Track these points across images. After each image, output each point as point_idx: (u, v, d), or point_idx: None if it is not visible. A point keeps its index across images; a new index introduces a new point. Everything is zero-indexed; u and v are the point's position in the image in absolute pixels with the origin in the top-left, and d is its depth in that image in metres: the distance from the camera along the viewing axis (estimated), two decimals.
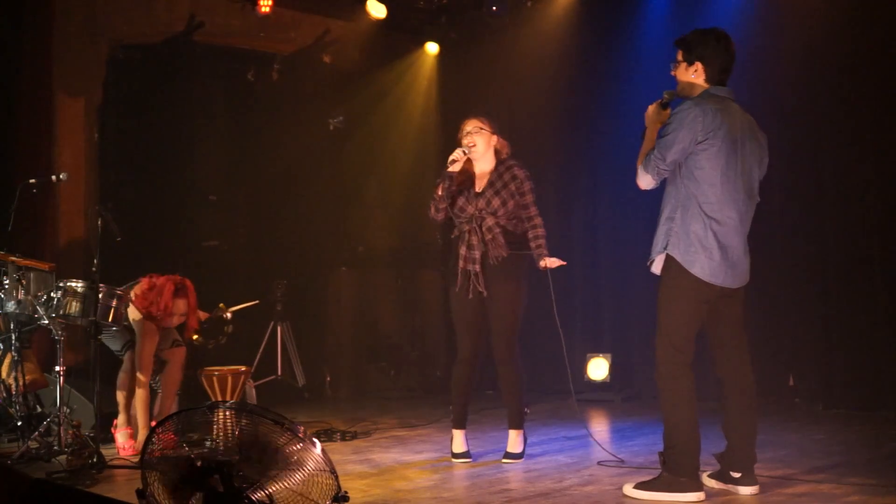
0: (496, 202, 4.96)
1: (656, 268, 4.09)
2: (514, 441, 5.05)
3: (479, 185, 5.07)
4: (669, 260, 3.99)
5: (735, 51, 4.11)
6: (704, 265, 3.92)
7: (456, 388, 5.13)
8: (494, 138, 5.12)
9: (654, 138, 4.09)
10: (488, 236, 4.93)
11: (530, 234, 5.02)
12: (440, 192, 5.03)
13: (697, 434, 3.94)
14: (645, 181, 4.08)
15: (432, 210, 5.08)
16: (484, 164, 5.11)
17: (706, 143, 3.91)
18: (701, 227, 3.93)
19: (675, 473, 3.90)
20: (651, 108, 4.21)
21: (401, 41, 9.09)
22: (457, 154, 5.01)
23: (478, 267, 4.92)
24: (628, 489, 4.01)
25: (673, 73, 4.17)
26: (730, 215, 3.97)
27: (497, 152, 5.13)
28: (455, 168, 5.01)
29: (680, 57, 4.11)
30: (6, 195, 5.77)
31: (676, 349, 3.97)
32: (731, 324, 4.11)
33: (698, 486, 3.91)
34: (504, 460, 4.98)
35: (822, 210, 6.61)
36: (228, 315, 5.78)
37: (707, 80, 4.06)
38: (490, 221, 4.94)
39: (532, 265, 5.04)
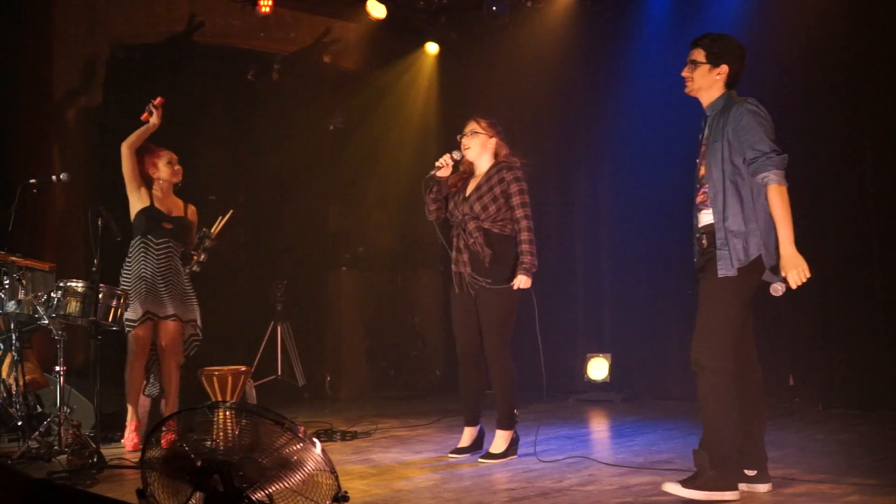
0: (478, 207, 5.00)
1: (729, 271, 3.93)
2: (497, 441, 5.02)
3: (472, 188, 5.11)
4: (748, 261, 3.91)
5: None
6: (769, 264, 3.91)
7: (460, 385, 5.28)
8: (492, 140, 5.12)
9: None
10: (470, 240, 4.99)
11: (518, 240, 4.99)
12: (430, 195, 5.14)
13: (740, 433, 3.91)
14: (781, 176, 3.85)
15: (426, 212, 5.19)
16: (481, 165, 5.15)
17: None
18: (769, 226, 3.89)
19: (723, 472, 3.84)
20: None
21: (401, 41, 9.09)
22: (442, 160, 5.09)
23: (467, 269, 5.00)
24: (673, 487, 3.87)
25: (688, 74, 4.07)
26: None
27: (495, 154, 5.14)
28: (442, 173, 5.10)
29: (702, 58, 4.03)
30: (6, 195, 5.77)
31: (730, 348, 3.90)
32: (748, 323, 4.11)
33: (737, 485, 3.89)
34: (480, 459, 4.95)
35: (821, 210, 6.60)
36: (212, 234, 5.86)
37: (727, 83, 4.05)
38: (472, 226, 4.99)
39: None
